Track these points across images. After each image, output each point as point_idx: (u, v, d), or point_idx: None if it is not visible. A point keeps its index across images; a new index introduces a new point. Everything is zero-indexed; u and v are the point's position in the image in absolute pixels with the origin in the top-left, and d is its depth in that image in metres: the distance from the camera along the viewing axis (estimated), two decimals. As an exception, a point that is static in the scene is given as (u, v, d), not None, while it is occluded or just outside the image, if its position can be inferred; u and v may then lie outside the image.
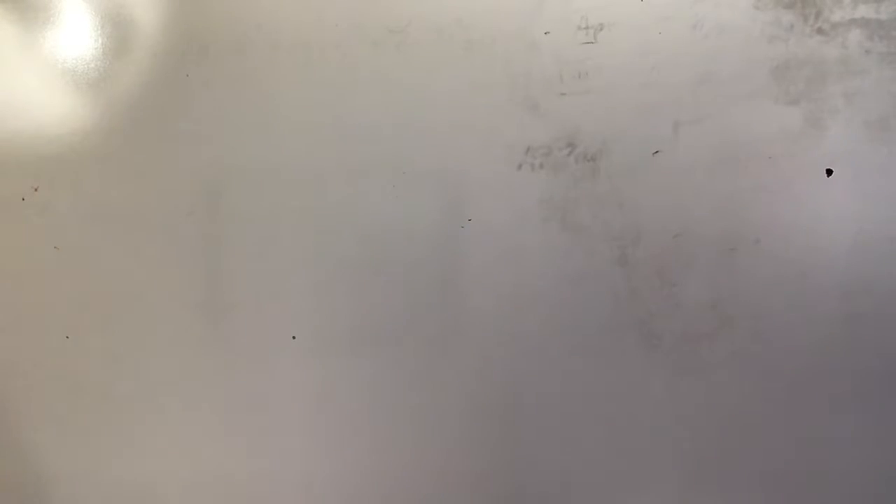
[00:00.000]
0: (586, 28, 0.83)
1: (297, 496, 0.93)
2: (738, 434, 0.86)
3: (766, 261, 0.83)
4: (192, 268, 0.92)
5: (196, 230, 0.91)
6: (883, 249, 0.81)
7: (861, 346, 0.83)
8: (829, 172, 0.81)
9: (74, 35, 0.92)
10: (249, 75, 0.89)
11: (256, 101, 0.89)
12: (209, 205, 0.91)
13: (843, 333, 0.83)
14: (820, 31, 0.80)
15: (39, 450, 0.97)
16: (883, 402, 0.84)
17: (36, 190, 0.94)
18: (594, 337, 0.86)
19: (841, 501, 0.85)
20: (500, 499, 0.90)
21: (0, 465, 0.98)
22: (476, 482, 0.90)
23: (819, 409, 0.84)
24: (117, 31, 0.91)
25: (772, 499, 0.86)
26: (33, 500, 0.97)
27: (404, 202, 0.88)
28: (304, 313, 0.91)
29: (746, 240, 0.83)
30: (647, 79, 0.83)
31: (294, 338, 0.91)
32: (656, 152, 0.84)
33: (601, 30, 0.83)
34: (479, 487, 0.90)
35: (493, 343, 0.88)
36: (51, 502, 0.97)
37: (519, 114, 0.85)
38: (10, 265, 0.95)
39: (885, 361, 0.83)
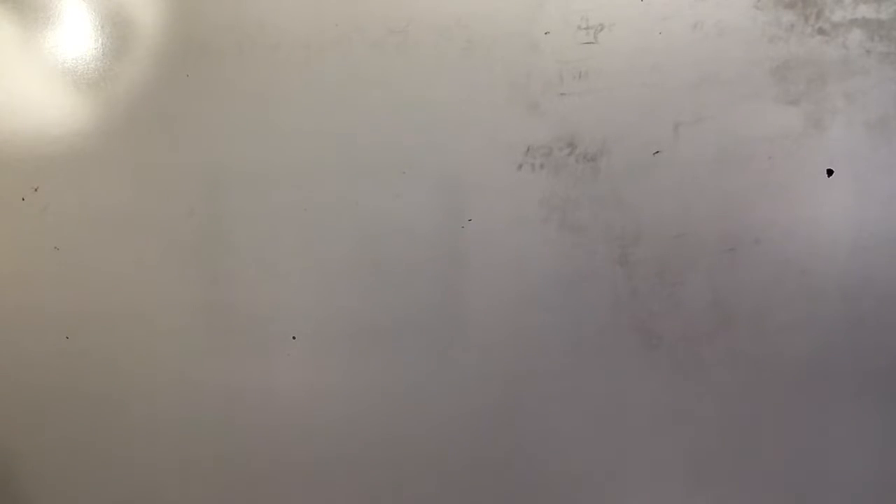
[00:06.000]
0: (586, 28, 0.83)
1: (298, 496, 0.93)
2: (738, 434, 0.86)
3: (766, 261, 0.83)
4: (192, 268, 0.92)
5: (196, 230, 0.91)
6: (883, 249, 0.81)
7: (860, 346, 0.83)
8: (830, 172, 0.81)
9: (74, 35, 0.92)
10: (249, 75, 0.89)
11: (256, 101, 0.89)
12: (209, 205, 0.91)
13: (843, 332, 0.83)
14: (820, 31, 0.80)
15: (39, 449, 0.97)
16: (883, 402, 0.84)
17: (36, 190, 0.93)
18: (594, 336, 0.86)
19: (841, 501, 0.85)
20: (500, 497, 0.90)
21: (1, 463, 0.98)
22: (476, 481, 0.90)
23: (819, 408, 0.84)
24: (117, 31, 0.91)
25: (772, 499, 0.86)
26: (33, 500, 0.97)
27: (404, 202, 0.88)
28: (304, 313, 0.91)
29: (746, 240, 0.83)
30: (647, 79, 0.83)
31: (294, 338, 0.91)
32: (656, 152, 0.84)
33: (601, 30, 0.83)
34: (480, 486, 0.90)
35: (494, 342, 0.88)
36: (50, 502, 0.97)
37: (519, 114, 0.85)
38: (10, 265, 0.95)
39: (884, 361, 0.83)
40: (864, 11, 0.80)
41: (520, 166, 0.86)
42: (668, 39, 0.82)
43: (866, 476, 0.85)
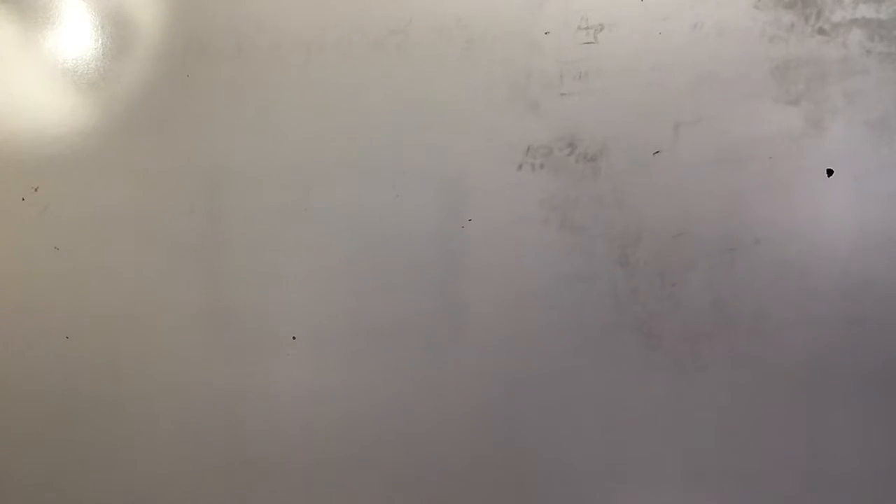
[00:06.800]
0: (586, 28, 0.83)
1: (297, 495, 0.93)
2: (738, 434, 0.86)
3: (766, 261, 0.83)
4: (192, 268, 0.92)
5: (196, 230, 0.91)
6: (883, 249, 0.81)
7: (861, 346, 0.83)
8: (830, 172, 0.81)
9: (74, 35, 0.92)
10: (249, 75, 0.89)
11: (256, 101, 0.89)
12: (209, 205, 0.91)
13: (843, 333, 0.83)
14: (820, 30, 0.80)
15: (39, 449, 0.97)
16: (883, 402, 0.84)
17: (36, 190, 0.93)
18: (594, 337, 0.86)
19: (841, 501, 0.85)
20: (501, 497, 0.90)
21: (0, 464, 0.98)
22: (476, 481, 0.90)
23: (819, 409, 0.84)
24: (117, 31, 0.91)
25: (772, 499, 0.86)
26: (33, 500, 0.97)
27: (404, 202, 0.88)
28: (304, 313, 0.91)
29: (746, 240, 0.83)
30: (647, 79, 0.83)
31: (294, 338, 0.91)
32: (656, 152, 0.84)
33: (601, 30, 0.83)
34: (480, 487, 0.90)
35: (494, 343, 0.88)
36: (50, 502, 0.97)
37: (519, 114, 0.85)
38: (10, 265, 0.95)
39: (884, 361, 0.83)
40: (864, 11, 0.80)
41: (520, 166, 0.86)
42: (668, 39, 0.82)
43: (866, 476, 0.85)
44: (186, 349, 0.93)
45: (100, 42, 0.92)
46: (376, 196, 0.88)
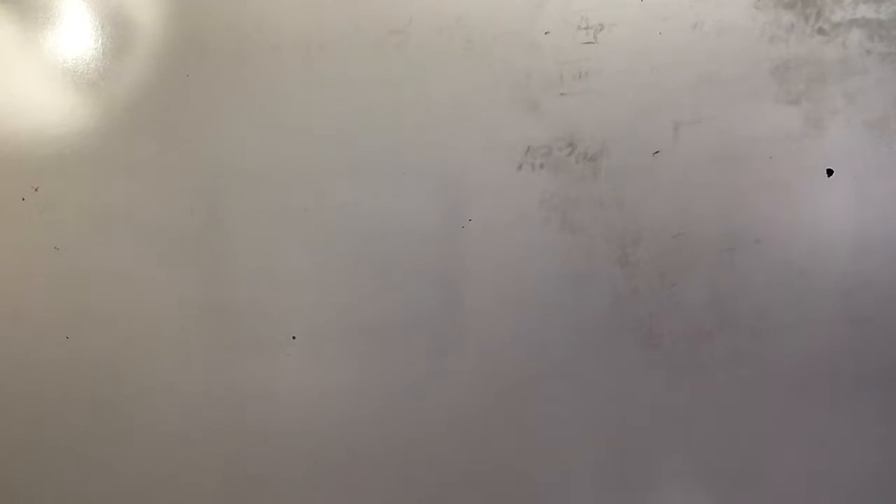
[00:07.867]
0: (586, 28, 0.83)
1: (297, 495, 0.93)
2: (738, 434, 0.86)
3: (766, 261, 0.83)
4: (193, 268, 0.92)
5: (196, 230, 0.91)
6: (883, 249, 0.81)
7: (860, 346, 0.83)
8: (830, 172, 0.81)
9: (74, 35, 0.92)
10: (249, 75, 0.89)
11: (256, 101, 0.89)
12: (209, 205, 0.91)
13: (843, 333, 0.83)
14: (820, 31, 0.80)
15: (40, 450, 0.97)
16: (883, 402, 0.84)
17: (36, 190, 0.93)
18: (594, 337, 0.86)
19: (841, 501, 0.85)
20: (500, 498, 0.90)
21: (0, 464, 0.98)
22: (476, 482, 0.90)
23: (819, 409, 0.84)
24: (117, 31, 0.91)
25: (772, 499, 0.86)
26: (32, 501, 0.97)
27: (404, 202, 0.88)
28: (303, 313, 0.91)
29: (746, 240, 0.83)
30: (647, 79, 0.83)
31: (294, 337, 0.91)
32: (656, 152, 0.84)
33: (601, 30, 0.83)
34: (480, 487, 0.90)
35: (494, 343, 0.88)
36: (50, 503, 0.97)
37: (519, 114, 0.85)
38: (10, 265, 0.95)
39: (884, 361, 0.83)
40: (864, 11, 0.80)
41: (520, 166, 0.86)
42: (668, 39, 0.82)
43: (866, 476, 0.85)
44: (186, 349, 0.93)
45: (100, 42, 0.92)
46: (376, 196, 0.88)
